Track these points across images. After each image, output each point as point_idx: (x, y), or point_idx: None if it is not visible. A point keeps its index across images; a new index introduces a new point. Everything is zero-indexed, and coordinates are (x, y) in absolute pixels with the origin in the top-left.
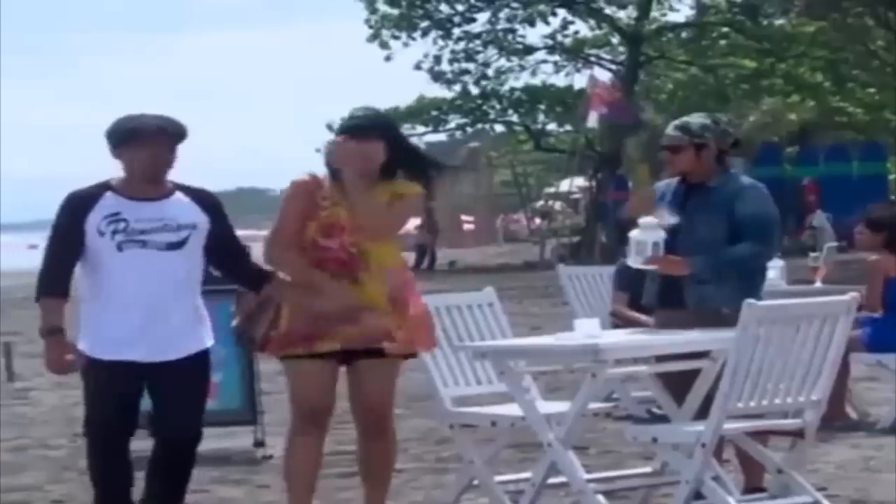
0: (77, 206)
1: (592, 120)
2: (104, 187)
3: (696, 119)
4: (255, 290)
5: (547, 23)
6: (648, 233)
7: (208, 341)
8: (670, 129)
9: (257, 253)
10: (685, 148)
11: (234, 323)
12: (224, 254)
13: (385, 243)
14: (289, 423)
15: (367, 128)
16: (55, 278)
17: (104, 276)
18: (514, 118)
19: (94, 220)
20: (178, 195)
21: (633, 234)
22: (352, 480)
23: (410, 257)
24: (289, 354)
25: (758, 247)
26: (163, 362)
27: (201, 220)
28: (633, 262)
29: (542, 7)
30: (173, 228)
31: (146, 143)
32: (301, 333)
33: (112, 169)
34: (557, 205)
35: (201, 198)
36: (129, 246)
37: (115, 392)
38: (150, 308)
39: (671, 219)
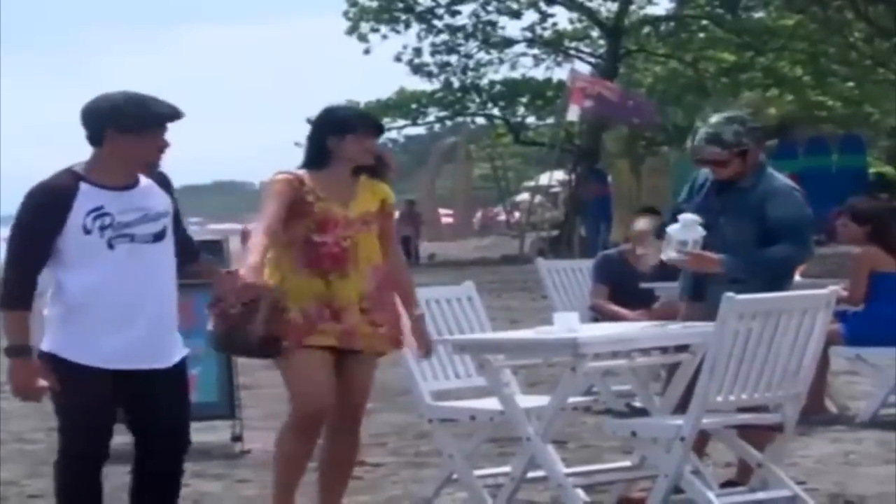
0: (54, 202)
1: (572, 114)
2: (75, 177)
3: (725, 127)
4: (189, 262)
5: (541, 12)
6: (688, 230)
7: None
8: (702, 142)
9: (234, 246)
10: (731, 160)
11: (210, 328)
12: (177, 233)
13: (371, 238)
14: (290, 418)
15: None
16: (24, 288)
17: (96, 277)
18: (495, 111)
19: (77, 216)
20: (143, 180)
21: (672, 228)
22: None
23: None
24: (309, 344)
25: (793, 249)
26: (162, 369)
27: (168, 204)
28: (666, 255)
29: None
30: (153, 217)
31: (158, 130)
32: (306, 326)
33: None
34: (536, 198)
35: (157, 176)
36: (119, 241)
37: (107, 406)
38: (150, 308)
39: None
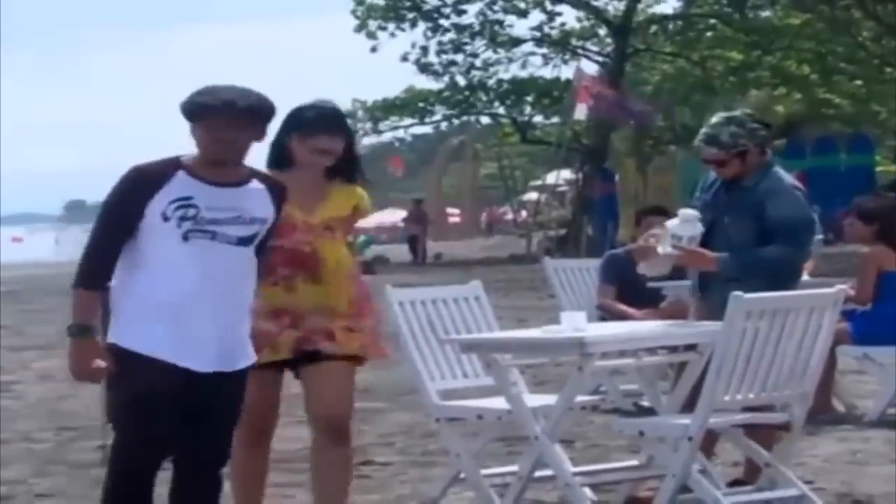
0: (142, 184)
1: (579, 112)
2: (175, 165)
3: (723, 129)
4: None
5: (546, 11)
6: (686, 226)
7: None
8: (701, 143)
9: None
10: (729, 160)
11: None
12: (259, 249)
13: (337, 245)
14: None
15: (339, 123)
16: (101, 268)
17: (161, 267)
18: (501, 110)
19: (161, 201)
20: (254, 183)
21: (670, 223)
22: None
23: (403, 249)
24: (259, 363)
25: (786, 250)
26: (218, 374)
27: (270, 214)
28: (662, 249)
29: None
30: (246, 221)
31: (210, 120)
32: (260, 341)
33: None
34: (543, 197)
35: (274, 187)
36: (197, 236)
37: (163, 401)
38: (215, 309)
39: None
